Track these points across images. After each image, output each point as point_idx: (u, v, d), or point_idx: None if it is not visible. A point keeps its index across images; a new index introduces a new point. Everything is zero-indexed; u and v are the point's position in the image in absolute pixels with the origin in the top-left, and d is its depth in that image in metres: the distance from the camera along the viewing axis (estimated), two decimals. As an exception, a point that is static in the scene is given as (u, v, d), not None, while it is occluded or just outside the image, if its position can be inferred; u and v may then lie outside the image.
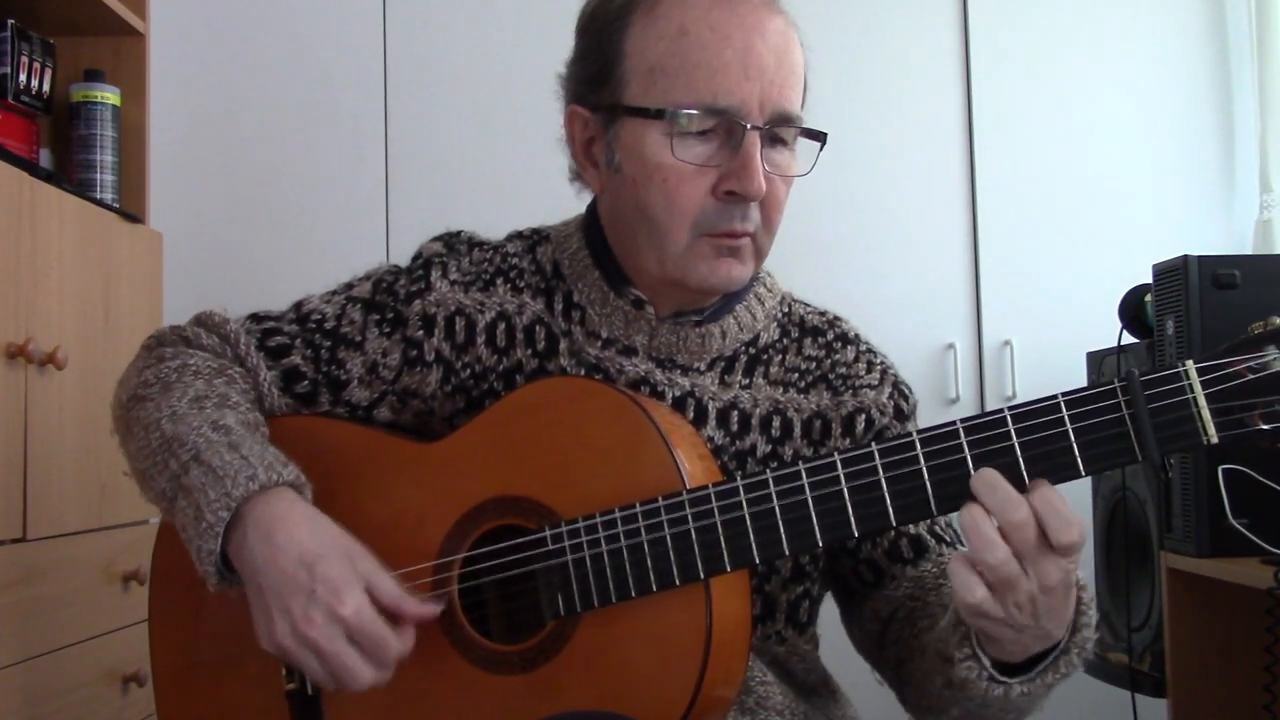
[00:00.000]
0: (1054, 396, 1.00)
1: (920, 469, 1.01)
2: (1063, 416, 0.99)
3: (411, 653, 1.11)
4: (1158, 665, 2.02)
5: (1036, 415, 0.99)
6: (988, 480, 0.98)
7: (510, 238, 1.32)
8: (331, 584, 1.07)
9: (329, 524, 1.13)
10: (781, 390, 1.26)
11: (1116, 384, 0.98)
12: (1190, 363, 0.97)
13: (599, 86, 1.19)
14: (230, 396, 1.22)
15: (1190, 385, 0.96)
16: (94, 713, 1.95)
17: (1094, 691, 2.31)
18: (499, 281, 1.27)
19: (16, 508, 1.79)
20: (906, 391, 1.29)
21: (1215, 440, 0.96)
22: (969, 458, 1.00)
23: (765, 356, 1.27)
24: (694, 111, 1.13)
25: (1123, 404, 0.98)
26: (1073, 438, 0.98)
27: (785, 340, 1.29)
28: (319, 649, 1.07)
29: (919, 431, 1.02)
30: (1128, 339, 2.09)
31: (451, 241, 1.31)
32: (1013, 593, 0.97)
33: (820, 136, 1.19)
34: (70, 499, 1.94)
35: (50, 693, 1.83)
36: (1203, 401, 0.96)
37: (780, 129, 1.17)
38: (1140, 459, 0.98)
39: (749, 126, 1.13)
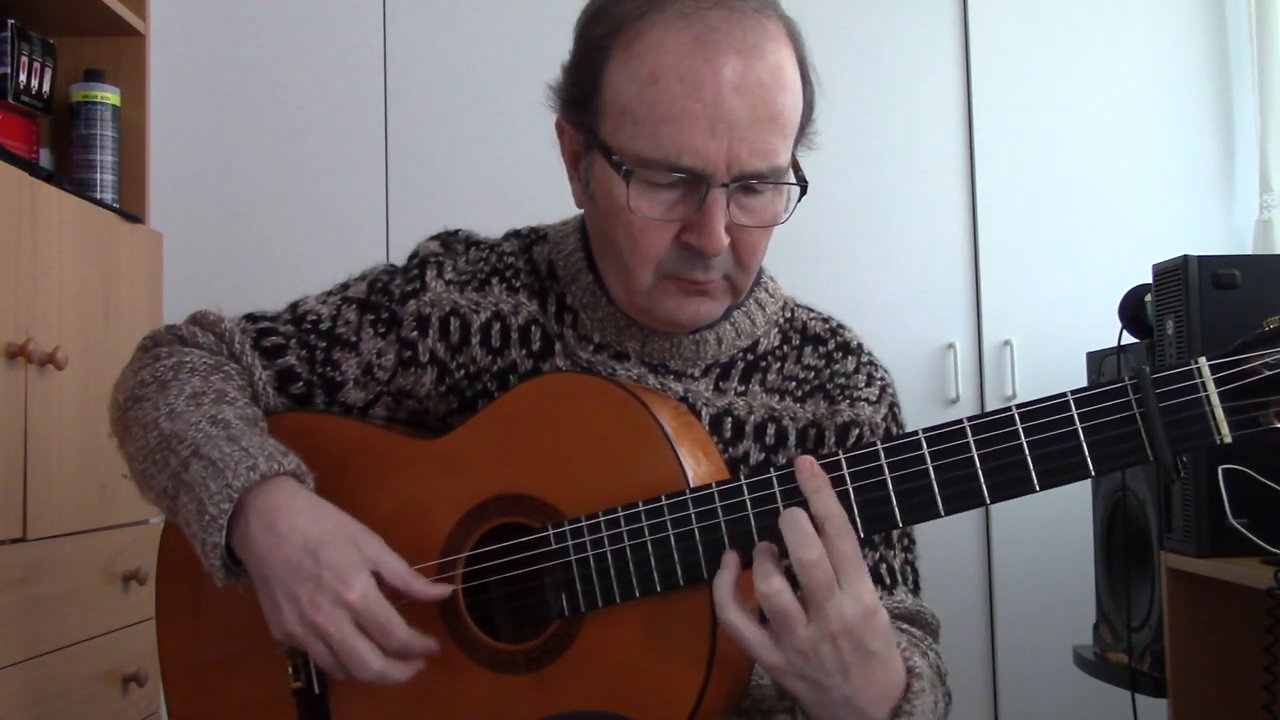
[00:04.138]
0: (1063, 394, 0.98)
1: (927, 468, 1.00)
2: (1072, 415, 0.97)
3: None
4: (1158, 665, 2.02)
5: (1045, 414, 0.98)
6: (791, 518, 0.99)
7: (507, 236, 1.31)
8: (337, 569, 1.07)
9: (332, 510, 1.12)
10: (778, 398, 1.24)
11: (1127, 382, 0.96)
12: (1203, 359, 0.94)
13: (580, 109, 1.16)
14: (228, 392, 1.21)
15: (1203, 383, 0.94)
16: (94, 713, 1.95)
17: (1094, 691, 2.32)
18: (494, 281, 1.26)
19: (16, 508, 1.79)
20: (899, 417, 1.27)
21: (1229, 439, 0.93)
22: (976, 456, 0.99)
23: (764, 364, 1.25)
24: (655, 170, 1.10)
25: (1133, 402, 0.96)
26: (1082, 437, 0.97)
27: (786, 347, 1.27)
28: (327, 635, 1.07)
29: (924, 430, 1.01)
30: (1128, 339, 2.09)
31: (449, 241, 1.30)
32: (789, 635, 0.97)
33: (800, 184, 1.14)
34: (70, 499, 1.94)
35: (50, 693, 1.83)
36: (1216, 400, 0.93)
37: (752, 180, 1.11)
38: (1151, 459, 0.96)
39: (711, 186, 1.09)
